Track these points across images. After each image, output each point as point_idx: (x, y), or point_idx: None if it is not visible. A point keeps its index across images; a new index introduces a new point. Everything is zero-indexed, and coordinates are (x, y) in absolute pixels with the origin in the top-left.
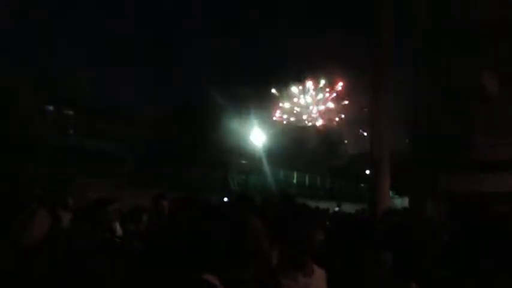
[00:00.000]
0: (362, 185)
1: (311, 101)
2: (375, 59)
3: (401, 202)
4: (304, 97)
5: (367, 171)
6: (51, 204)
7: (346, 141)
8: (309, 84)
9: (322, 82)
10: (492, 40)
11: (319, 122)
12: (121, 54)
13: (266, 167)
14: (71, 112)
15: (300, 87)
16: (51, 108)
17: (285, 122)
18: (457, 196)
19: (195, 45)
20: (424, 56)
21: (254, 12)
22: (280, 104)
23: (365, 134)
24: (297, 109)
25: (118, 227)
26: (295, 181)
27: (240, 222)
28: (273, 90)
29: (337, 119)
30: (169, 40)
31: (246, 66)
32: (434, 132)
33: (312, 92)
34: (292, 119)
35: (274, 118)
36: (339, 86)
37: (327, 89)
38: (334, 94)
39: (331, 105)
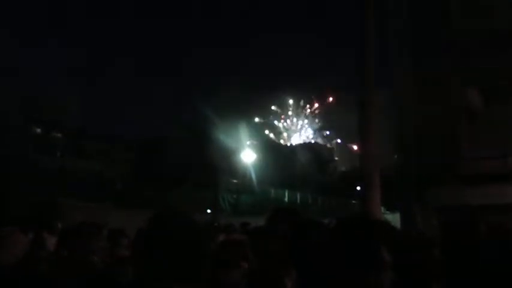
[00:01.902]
0: (353, 201)
1: (301, 117)
2: (361, 75)
3: (392, 218)
4: (293, 114)
5: (358, 188)
6: (36, 227)
7: (336, 158)
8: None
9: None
10: (476, 55)
11: (309, 140)
12: (109, 74)
13: (257, 186)
14: (58, 134)
15: (291, 102)
16: (38, 130)
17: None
18: (446, 210)
19: (185, 63)
20: (411, 72)
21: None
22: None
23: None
24: (287, 127)
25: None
26: (286, 199)
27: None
28: (273, 107)
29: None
30: (159, 60)
31: (238, 82)
32: (421, 147)
33: (301, 109)
34: (282, 136)
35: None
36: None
37: (316, 106)
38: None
39: (317, 120)
